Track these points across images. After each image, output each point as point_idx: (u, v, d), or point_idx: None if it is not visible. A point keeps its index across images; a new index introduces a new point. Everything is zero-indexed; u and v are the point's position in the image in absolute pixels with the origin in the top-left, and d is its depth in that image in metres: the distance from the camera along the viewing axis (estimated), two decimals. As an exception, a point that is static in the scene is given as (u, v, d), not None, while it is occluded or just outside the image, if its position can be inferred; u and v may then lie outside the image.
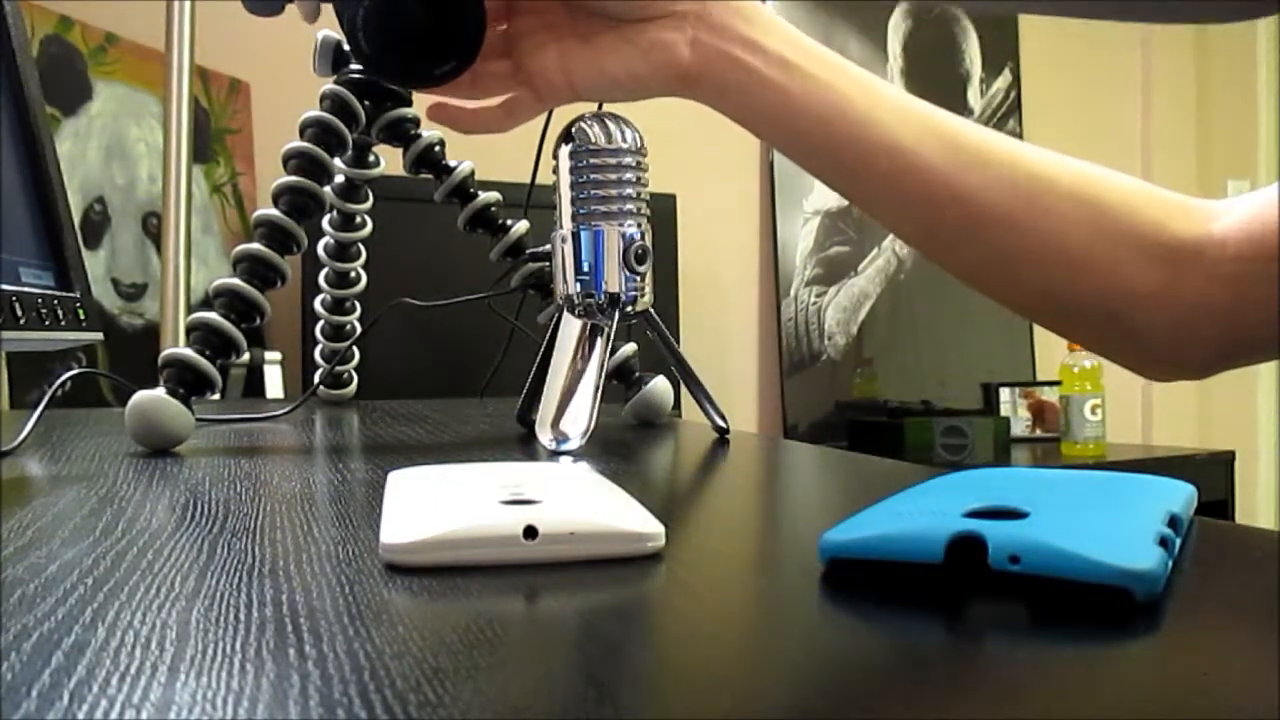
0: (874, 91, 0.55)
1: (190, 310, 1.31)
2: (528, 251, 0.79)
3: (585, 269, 0.55)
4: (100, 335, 0.68)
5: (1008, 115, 2.69)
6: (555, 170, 0.56)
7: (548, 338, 0.62)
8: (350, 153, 0.83)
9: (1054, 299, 0.54)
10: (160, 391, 0.59)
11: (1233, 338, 0.51)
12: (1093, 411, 2.12)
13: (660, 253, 0.71)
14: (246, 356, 1.26)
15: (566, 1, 0.55)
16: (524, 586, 0.27)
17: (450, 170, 0.79)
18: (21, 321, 0.57)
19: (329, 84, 0.72)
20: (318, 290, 0.94)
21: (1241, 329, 0.50)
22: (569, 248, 0.55)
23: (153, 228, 1.58)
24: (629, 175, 0.55)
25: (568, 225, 0.55)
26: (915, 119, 0.54)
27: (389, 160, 0.85)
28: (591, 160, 0.55)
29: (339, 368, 0.97)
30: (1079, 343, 0.56)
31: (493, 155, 1.38)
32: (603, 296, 0.55)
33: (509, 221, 0.81)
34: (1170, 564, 0.27)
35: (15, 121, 0.64)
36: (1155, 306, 0.52)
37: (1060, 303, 0.55)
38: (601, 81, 0.55)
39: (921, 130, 0.54)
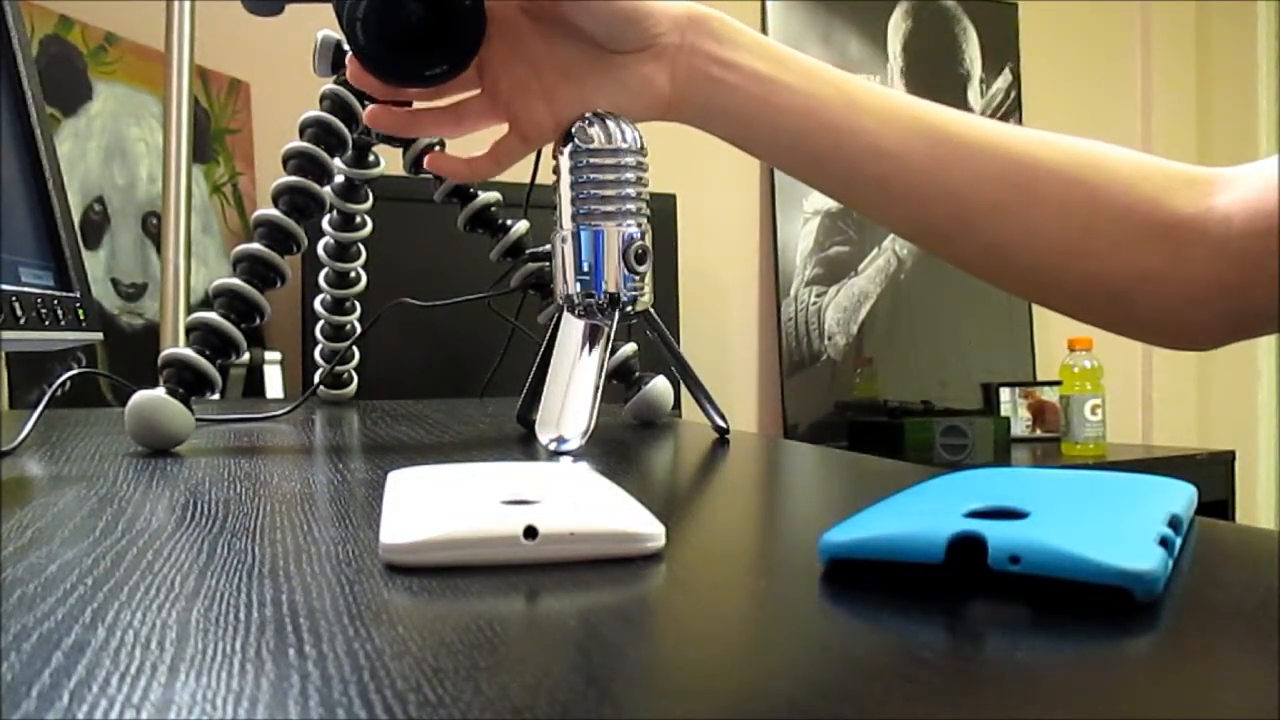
0: (854, 95, 0.55)
1: (190, 310, 1.31)
2: (528, 251, 0.79)
3: (585, 269, 0.55)
4: (100, 335, 0.68)
5: (1008, 115, 2.69)
6: (555, 170, 0.56)
7: (548, 338, 0.62)
8: (350, 153, 0.83)
9: (1055, 284, 0.54)
10: (160, 391, 0.59)
11: (1241, 313, 0.51)
12: (1093, 411, 2.12)
13: (660, 253, 0.71)
14: (246, 356, 1.26)
15: (547, 31, 0.56)
16: (524, 586, 0.27)
17: (450, 170, 0.79)
18: (21, 321, 0.57)
19: (329, 84, 0.72)
20: (318, 290, 0.94)
21: (1250, 304, 0.50)
22: (569, 248, 0.55)
23: (153, 228, 1.58)
24: (629, 175, 0.55)
25: (568, 225, 0.55)
26: (898, 119, 0.54)
27: (389, 160, 0.85)
28: (591, 160, 0.55)
29: (339, 368, 0.97)
30: (1084, 321, 0.56)
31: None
32: (603, 296, 0.55)
33: (509, 221, 0.81)
34: (1170, 564, 0.27)
35: (15, 121, 0.64)
36: (1159, 285, 0.51)
37: (1062, 287, 0.54)
38: None
39: (905, 130, 0.54)
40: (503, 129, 0.59)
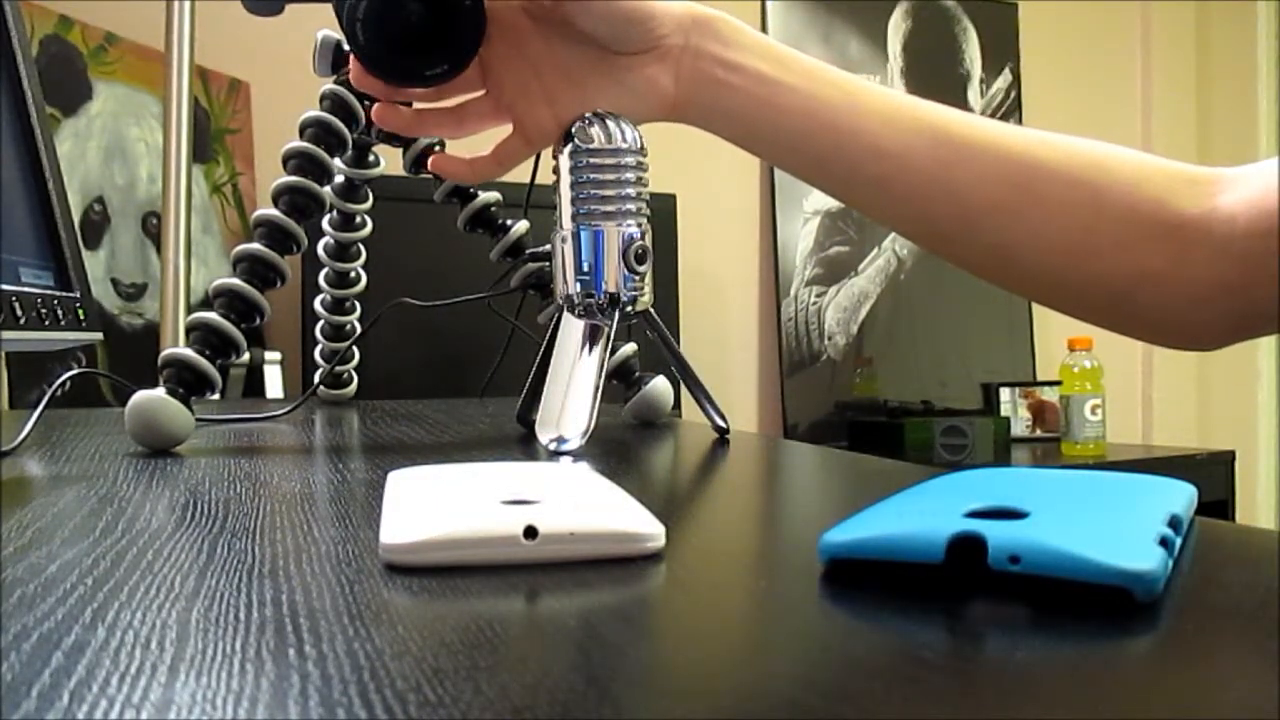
0: (857, 96, 0.55)
1: (190, 310, 1.31)
2: (528, 251, 0.79)
3: (585, 269, 0.55)
4: (100, 335, 0.68)
5: (1008, 115, 2.69)
6: (555, 170, 0.56)
7: (548, 338, 0.62)
8: (350, 153, 0.83)
9: (1058, 284, 0.54)
10: (160, 391, 0.59)
11: (1244, 313, 0.51)
12: (1093, 411, 2.12)
13: (660, 253, 0.71)
14: (246, 356, 1.26)
15: (549, 33, 0.56)
16: (524, 586, 0.27)
17: (450, 170, 0.79)
18: (21, 321, 0.57)
19: (329, 84, 0.72)
20: (318, 290, 0.94)
21: (1253, 304, 0.50)
22: (569, 248, 0.55)
23: (153, 228, 1.58)
24: (629, 175, 0.55)
25: (568, 225, 0.55)
26: (900, 119, 0.54)
27: (389, 160, 0.85)
28: (591, 160, 0.55)
29: (339, 368, 0.97)
30: (1087, 321, 0.56)
31: (493, 155, 1.38)
32: (603, 296, 0.55)
33: (509, 221, 0.81)
34: (1170, 564, 0.27)
35: (15, 121, 0.64)
36: (1163, 285, 0.51)
37: (1064, 287, 0.54)
38: None
39: (907, 130, 0.54)
40: (505, 129, 0.59)
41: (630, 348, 0.77)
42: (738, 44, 0.55)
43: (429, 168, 0.63)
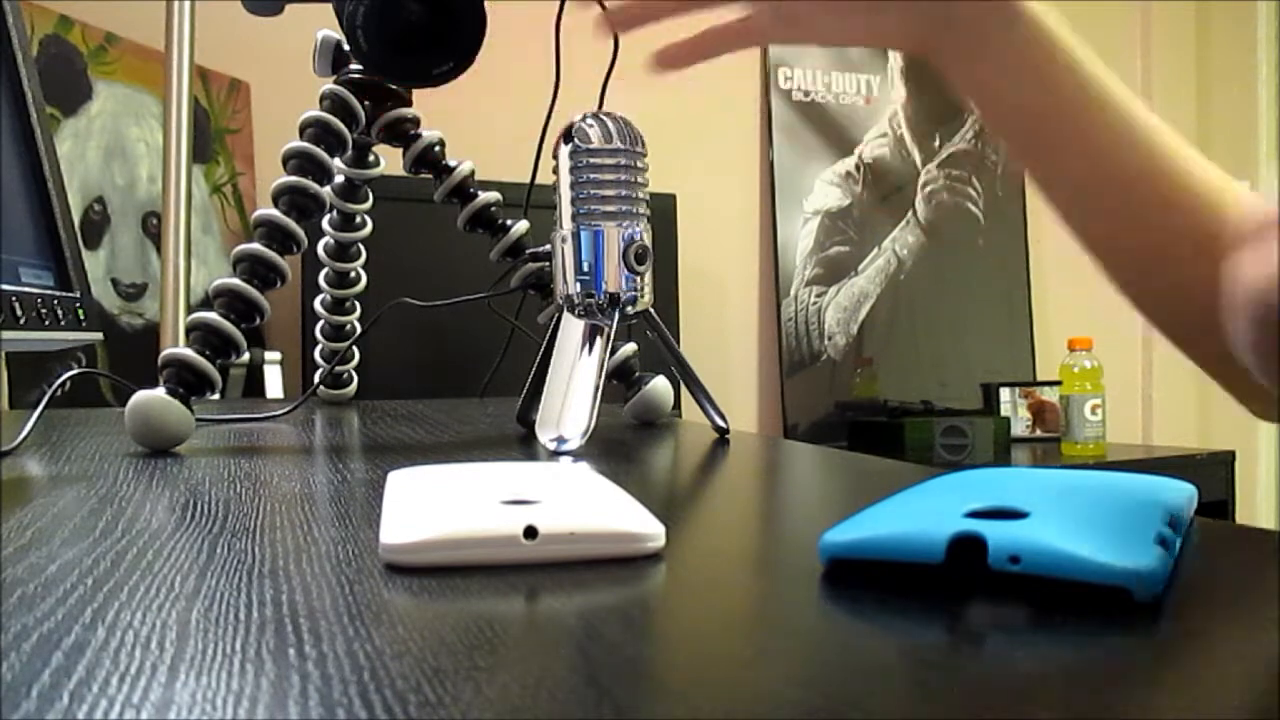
0: (1130, 94, 0.47)
1: (190, 310, 1.31)
2: (528, 251, 0.79)
3: (585, 269, 0.55)
4: (100, 335, 0.68)
5: (1008, 115, 2.68)
6: (555, 170, 0.56)
7: (548, 338, 0.62)
8: (350, 153, 0.83)
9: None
10: (160, 391, 0.59)
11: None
12: (1093, 411, 2.12)
13: (660, 253, 0.71)
14: (246, 356, 1.26)
15: None
16: (524, 586, 0.27)
17: (450, 170, 0.79)
18: (21, 321, 0.57)
19: (329, 84, 0.72)
20: (318, 290, 0.94)
21: None
22: (569, 248, 0.55)
23: (153, 228, 1.58)
24: (629, 175, 0.55)
25: (568, 225, 0.55)
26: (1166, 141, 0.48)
27: (389, 160, 0.85)
28: (591, 160, 0.55)
29: (339, 368, 0.97)
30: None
31: (493, 155, 1.38)
32: (603, 296, 0.55)
33: (509, 221, 0.81)
34: (1170, 564, 0.27)
35: (15, 121, 0.64)
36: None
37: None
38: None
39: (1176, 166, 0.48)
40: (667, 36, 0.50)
41: (630, 348, 0.77)
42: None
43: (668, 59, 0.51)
